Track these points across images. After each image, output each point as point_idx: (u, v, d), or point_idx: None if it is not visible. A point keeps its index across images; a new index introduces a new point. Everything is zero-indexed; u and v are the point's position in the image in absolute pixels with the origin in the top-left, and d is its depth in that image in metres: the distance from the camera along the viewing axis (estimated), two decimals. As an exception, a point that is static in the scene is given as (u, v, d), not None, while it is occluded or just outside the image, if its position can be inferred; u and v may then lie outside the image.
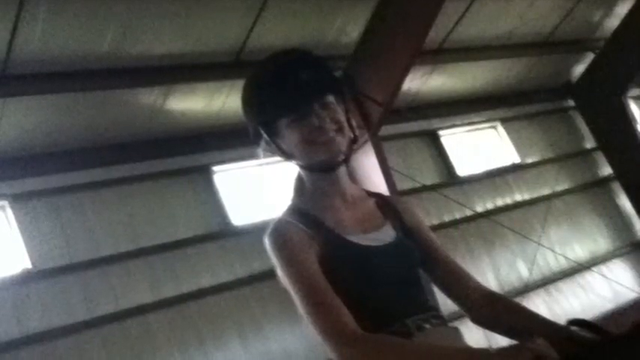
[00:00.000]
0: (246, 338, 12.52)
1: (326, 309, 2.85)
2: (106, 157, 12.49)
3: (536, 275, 17.03)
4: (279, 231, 3.13)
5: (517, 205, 18.00)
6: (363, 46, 13.98)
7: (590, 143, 20.57)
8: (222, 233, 13.25)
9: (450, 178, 17.28)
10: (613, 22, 19.14)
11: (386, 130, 14.63)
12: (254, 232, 11.15)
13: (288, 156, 3.25)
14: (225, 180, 13.86)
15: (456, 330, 3.20)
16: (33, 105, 11.34)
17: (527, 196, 18.34)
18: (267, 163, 11.74)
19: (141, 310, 11.84)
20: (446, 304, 3.84)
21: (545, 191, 18.63)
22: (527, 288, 16.58)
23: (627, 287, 17.71)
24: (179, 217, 12.94)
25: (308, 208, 3.24)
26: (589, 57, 20.08)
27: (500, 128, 19.14)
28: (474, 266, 15.59)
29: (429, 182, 16.51)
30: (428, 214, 15.51)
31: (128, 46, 11.46)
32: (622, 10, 18.73)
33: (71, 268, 11.56)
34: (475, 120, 18.61)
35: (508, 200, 17.98)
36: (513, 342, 2.88)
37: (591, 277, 17.81)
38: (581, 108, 20.47)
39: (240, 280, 12.90)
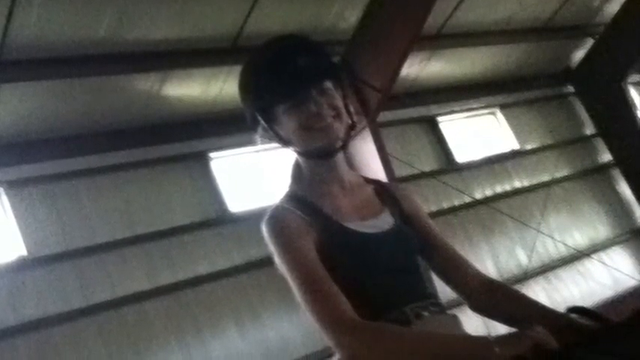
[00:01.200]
0: (243, 326, 12.52)
1: (324, 296, 2.83)
2: (102, 143, 12.45)
3: (536, 263, 17.02)
4: (277, 218, 3.13)
5: (516, 192, 17.99)
6: (361, 32, 13.95)
7: (589, 129, 20.56)
8: (219, 220, 13.23)
9: (448, 165, 17.27)
10: (613, 7, 19.07)
11: (384, 116, 14.64)
12: (251, 219, 11.12)
13: (285, 142, 3.23)
14: (222, 166, 13.83)
15: (455, 318, 3.19)
16: (28, 91, 11.31)
17: (526, 183, 18.33)
18: (265, 150, 11.84)
19: (137, 297, 11.82)
20: (444, 291, 3.81)
21: (545, 178, 18.61)
22: (527, 275, 16.58)
23: (627, 275, 17.69)
24: (176, 203, 12.92)
25: (305, 194, 3.23)
26: (589, 43, 20.01)
27: (499, 114, 19.12)
28: (473, 253, 15.55)
29: (427, 169, 16.47)
30: (426, 201, 15.47)
31: (124, 32, 11.43)
32: (622, -5, 18.67)
33: (67, 255, 11.54)
34: (474, 106, 18.59)
35: (507, 187, 17.96)
36: (512, 330, 2.85)
37: (591, 265, 17.79)
38: (581, 94, 20.45)
39: (238, 268, 12.88)
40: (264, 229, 3.11)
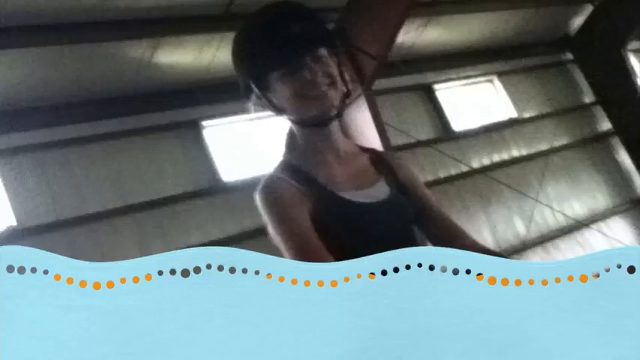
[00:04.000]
0: (236, 298, 12.41)
1: (318, 268, 2.65)
2: (93, 111, 12.34)
3: (534, 233, 16.99)
4: (270, 187, 3.06)
5: (514, 161, 17.93)
6: (357, -2, 13.80)
7: (589, 97, 20.50)
8: (211, 190, 13.17)
9: (445, 134, 17.16)
10: (613, -27, 18.94)
11: (379, 83, 14.51)
12: (245, 188, 10.93)
13: (279, 111, 3.16)
14: (215, 135, 13.74)
15: (452, 290, 3.04)
16: (18, 58, 11.19)
17: (524, 152, 18.27)
18: (258, 118, 11.73)
19: (129, 268, 11.68)
20: (441, 263, 3.64)
21: (543, 147, 18.57)
22: (525, 246, 16.56)
23: (627, 245, 17.58)
24: (168, 173, 12.86)
25: (300, 164, 3.16)
26: (588, 9, 19.92)
27: (497, 82, 19.03)
28: (470, 223, 15.50)
29: (423, 137, 16.41)
30: (422, 170, 15.39)
31: (115, -2, 11.27)
32: (623, -39, 18.53)
33: (57, 225, 11.45)
34: (471, 74, 18.49)
35: (505, 156, 17.89)
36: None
37: (590, 235, 17.75)
38: (580, 61, 20.42)
39: (231, 238, 12.75)
40: (257, 198, 3.05)
